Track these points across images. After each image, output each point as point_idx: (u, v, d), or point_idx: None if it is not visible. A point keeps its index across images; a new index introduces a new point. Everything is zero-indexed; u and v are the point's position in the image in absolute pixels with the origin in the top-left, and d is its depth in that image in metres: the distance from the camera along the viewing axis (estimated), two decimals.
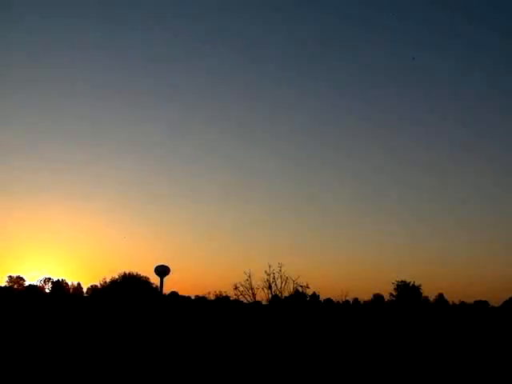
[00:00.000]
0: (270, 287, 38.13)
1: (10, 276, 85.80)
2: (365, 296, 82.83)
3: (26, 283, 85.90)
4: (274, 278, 37.84)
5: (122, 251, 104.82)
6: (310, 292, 46.04)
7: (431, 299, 79.75)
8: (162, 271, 25.63)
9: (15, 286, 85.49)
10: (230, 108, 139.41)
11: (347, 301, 65.16)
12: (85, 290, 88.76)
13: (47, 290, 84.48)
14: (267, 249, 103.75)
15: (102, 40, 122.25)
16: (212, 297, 53.42)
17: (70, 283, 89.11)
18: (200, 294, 73.46)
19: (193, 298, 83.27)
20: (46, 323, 32.85)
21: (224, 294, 48.21)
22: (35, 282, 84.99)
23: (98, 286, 74.59)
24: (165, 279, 26.09)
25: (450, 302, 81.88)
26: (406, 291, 71.83)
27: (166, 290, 62.56)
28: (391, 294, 73.88)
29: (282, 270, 37.66)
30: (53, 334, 26.88)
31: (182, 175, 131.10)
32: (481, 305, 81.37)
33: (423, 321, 49.82)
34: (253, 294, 38.55)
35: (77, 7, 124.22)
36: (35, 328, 29.41)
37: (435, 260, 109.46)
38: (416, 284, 72.35)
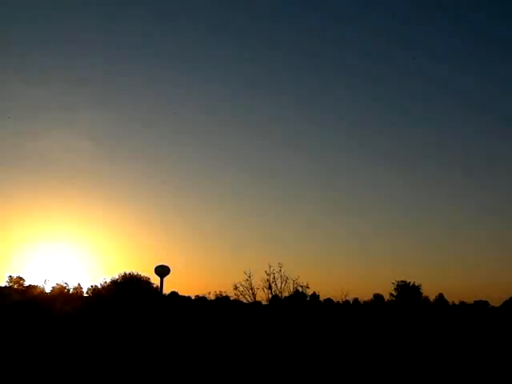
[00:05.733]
0: (270, 287, 38.18)
1: (10, 276, 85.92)
2: (365, 296, 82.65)
3: (26, 283, 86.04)
4: (274, 278, 37.91)
5: (122, 251, 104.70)
6: (309, 292, 46.05)
7: (431, 299, 79.73)
8: (162, 271, 25.66)
9: (15, 286, 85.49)
10: (230, 107, 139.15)
11: (347, 301, 65.10)
12: (85, 290, 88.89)
13: (47, 291, 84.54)
14: (267, 249, 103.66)
15: (102, 39, 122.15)
16: (212, 297, 53.27)
17: (70, 283, 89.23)
18: (200, 294, 73.28)
19: (193, 298, 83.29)
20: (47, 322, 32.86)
21: (224, 294, 48.20)
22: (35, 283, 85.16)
23: (98, 286, 74.66)
24: (165, 279, 26.11)
25: (450, 302, 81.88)
26: (406, 291, 71.86)
27: (166, 290, 62.60)
28: (391, 294, 73.99)
29: (282, 270, 37.74)
30: (53, 333, 26.90)
31: (182, 175, 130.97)
32: (481, 305, 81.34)
33: (423, 321, 49.84)
34: (253, 294, 38.61)
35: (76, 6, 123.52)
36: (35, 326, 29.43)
37: (435, 260, 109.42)
38: (416, 284, 72.50)
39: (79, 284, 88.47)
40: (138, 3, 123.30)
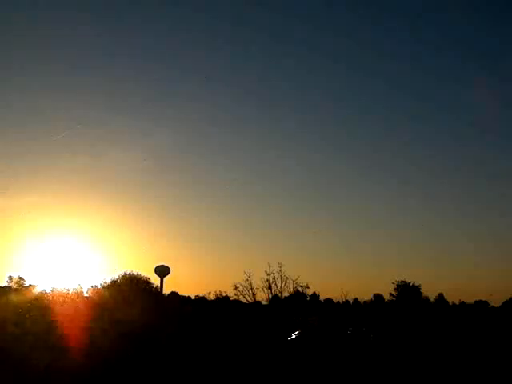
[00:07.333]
0: (269, 287, 38.26)
1: (10, 276, 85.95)
2: (365, 296, 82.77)
3: (26, 283, 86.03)
4: (273, 278, 38.00)
5: (121, 251, 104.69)
6: (310, 292, 46.09)
7: (431, 299, 79.85)
8: (162, 271, 25.73)
9: (15, 286, 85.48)
10: (230, 107, 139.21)
11: (347, 301, 65.16)
12: (85, 290, 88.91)
13: (47, 291, 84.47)
14: (267, 249, 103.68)
15: (104, 38, 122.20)
16: (212, 297, 53.23)
17: (70, 283, 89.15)
18: (200, 294, 73.30)
19: (193, 298, 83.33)
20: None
21: (224, 294, 48.16)
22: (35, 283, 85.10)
23: (99, 286, 74.73)
24: (165, 279, 26.18)
25: (450, 302, 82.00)
26: (406, 291, 71.99)
27: (166, 290, 62.45)
28: (391, 294, 74.11)
29: (282, 270, 37.83)
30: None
31: (182, 175, 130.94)
32: (481, 305, 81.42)
33: (423, 321, 49.90)
34: (253, 294, 38.70)
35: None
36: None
37: (435, 260, 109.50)
38: (416, 284, 72.61)
39: (79, 284, 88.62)
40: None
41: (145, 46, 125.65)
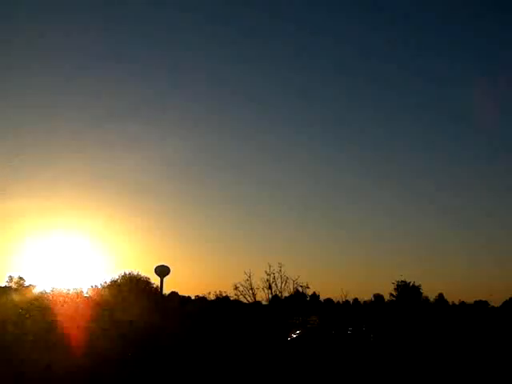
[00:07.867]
0: (270, 287, 38.28)
1: (10, 276, 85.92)
2: (365, 296, 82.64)
3: (26, 283, 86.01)
4: (274, 278, 38.03)
5: (121, 251, 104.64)
6: (310, 292, 46.07)
7: (431, 299, 79.71)
8: (162, 271, 25.72)
9: (15, 287, 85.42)
10: (229, 107, 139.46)
11: (347, 301, 65.05)
12: (85, 290, 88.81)
13: (47, 291, 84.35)
14: (267, 249, 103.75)
15: (104, 38, 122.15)
16: (212, 297, 53.22)
17: (70, 283, 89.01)
18: (200, 294, 73.23)
19: (193, 298, 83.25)
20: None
21: (224, 294, 48.14)
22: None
23: (99, 286, 74.66)
24: (165, 279, 26.17)
25: (450, 302, 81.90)
26: (406, 291, 71.89)
27: (166, 290, 62.44)
28: (391, 294, 73.98)
29: (282, 270, 37.87)
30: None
31: (182, 175, 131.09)
32: (481, 305, 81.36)
33: (423, 321, 49.89)
34: (253, 294, 38.73)
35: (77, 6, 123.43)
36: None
37: (435, 260, 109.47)
38: (416, 284, 72.54)
39: (79, 284, 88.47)
40: None
41: (145, 46, 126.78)
